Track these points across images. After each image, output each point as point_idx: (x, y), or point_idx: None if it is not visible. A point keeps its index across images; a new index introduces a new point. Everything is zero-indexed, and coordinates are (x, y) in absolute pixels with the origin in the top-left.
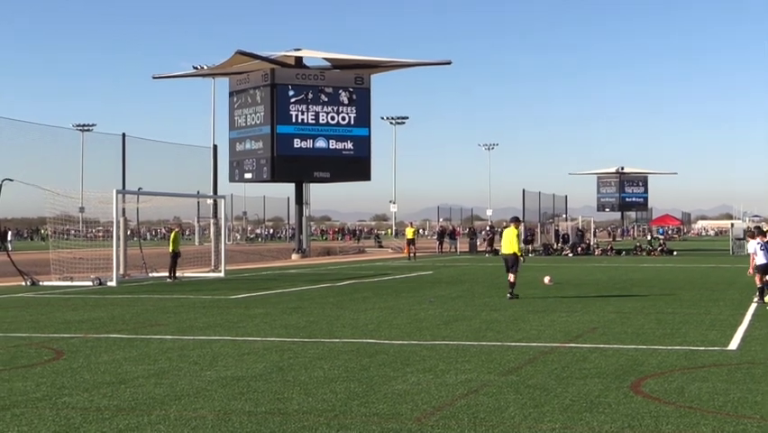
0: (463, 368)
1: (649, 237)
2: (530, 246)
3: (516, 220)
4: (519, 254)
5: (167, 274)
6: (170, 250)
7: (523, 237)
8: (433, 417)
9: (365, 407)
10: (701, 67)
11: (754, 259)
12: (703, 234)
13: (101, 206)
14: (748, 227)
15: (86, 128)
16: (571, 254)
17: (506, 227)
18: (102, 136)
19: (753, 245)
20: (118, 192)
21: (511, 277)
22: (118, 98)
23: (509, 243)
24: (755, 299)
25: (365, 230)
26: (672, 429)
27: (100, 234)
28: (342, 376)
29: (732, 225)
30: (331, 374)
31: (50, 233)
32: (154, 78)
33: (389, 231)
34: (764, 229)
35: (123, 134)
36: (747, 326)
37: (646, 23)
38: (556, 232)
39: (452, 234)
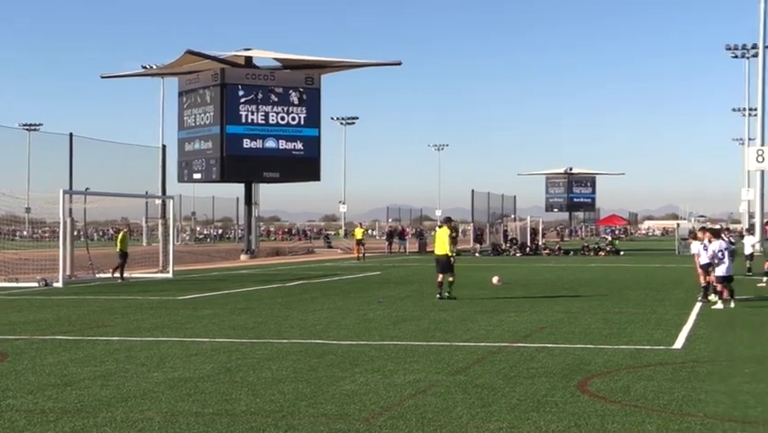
0: (412, 368)
1: (610, 238)
2: (479, 246)
3: (448, 221)
4: (450, 255)
5: (114, 275)
6: (118, 250)
7: (473, 237)
8: (381, 417)
9: (313, 407)
10: (647, 69)
11: (698, 259)
12: (650, 234)
13: (47, 206)
14: (693, 228)
15: (32, 128)
16: (519, 254)
17: (439, 227)
18: (49, 136)
19: (696, 246)
20: (65, 192)
21: (443, 277)
22: (65, 98)
23: (442, 244)
24: (699, 299)
25: (314, 230)
26: (617, 428)
27: (46, 234)
28: (291, 377)
29: (678, 225)
30: (279, 375)
31: None
32: (102, 77)
33: (340, 231)
34: (718, 228)
35: (71, 134)
36: (692, 325)
37: (593, 25)
38: (505, 232)
39: (402, 235)
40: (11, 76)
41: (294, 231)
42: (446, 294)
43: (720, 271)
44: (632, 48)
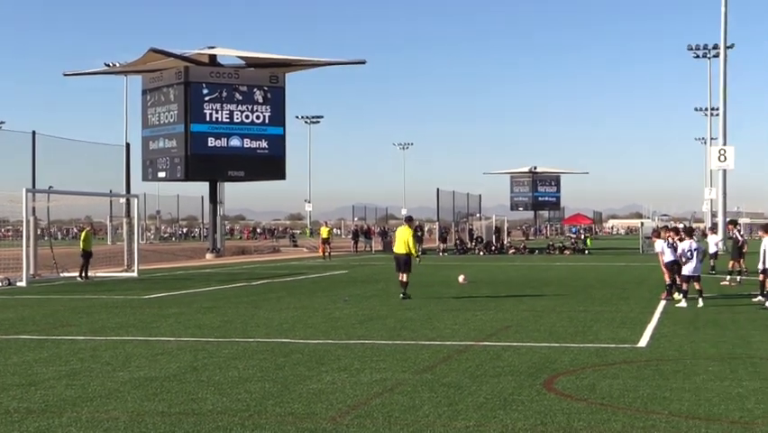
0: (378, 367)
1: (583, 236)
2: (443, 245)
3: (409, 220)
4: (415, 255)
5: (78, 274)
6: (81, 249)
7: (438, 236)
8: (348, 416)
9: (280, 406)
10: (610, 68)
11: (662, 257)
12: (614, 232)
13: (10, 204)
14: (656, 227)
15: None
16: (482, 253)
17: (400, 226)
18: (11, 134)
19: (660, 244)
20: (28, 191)
21: (404, 277)
22: (28, 96)
23: (403, 242)
24: (664, 297)
25: (280, 229)
26: (583, 426)
27: (9, 233)
28: (257, 376)
29: (642, 224)
30: (245, 374)
31: None
32: (65, 75)
33: (307, 230)
34: (678, 227)
35: (33, 132)
36: (656, 323)
37: (556, 24)
38: (470, 231)
39: (367, 234)
40: None
41: (259, 230)
42: (401, 294)
43: (687, 269)
44: (594, 47)
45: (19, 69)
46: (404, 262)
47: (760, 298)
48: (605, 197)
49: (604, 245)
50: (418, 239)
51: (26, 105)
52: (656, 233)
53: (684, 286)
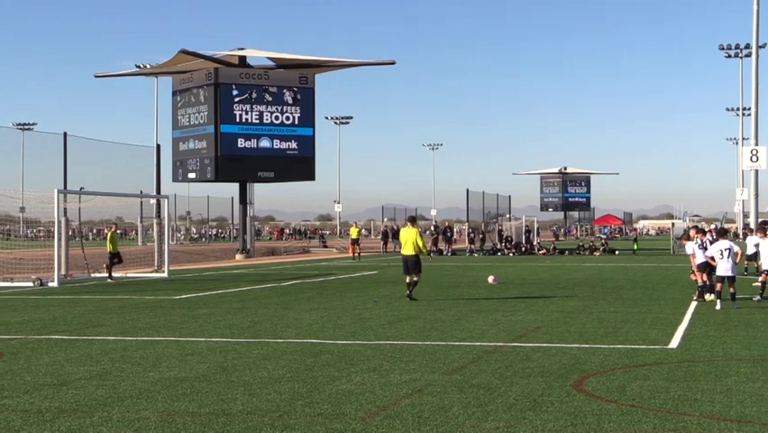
0: (408, 368)
1: (635, 237)
2: (472, 246)
3: (412, 220)
4: (426, 252)
5: (107, 275)
6: (109, 250)
7: (467, 237)
8: (377, 416)
9: (309, 407)
10: (641, 69)
11: (694, 259)
12: (644, 233)
13: (42, 205)
14: (686, 228)
15: (26, 127)
16: (512, 254)
17: (404, 227)
18: (43, 135)
19: (691, 246)
20: (60, 192)
21: (415, 277)
22: (60, 97)
23: (411, 243)
24: (695, 298)
25: (310, 230)
26: (613, 427)
27: (41, 234)
28: (287, 376)
29: (673, 224)
30: (275, 375)
31: None
32: (96, 76)
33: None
34: (706, 229)
35: (65, 133)
36: (687, 324)
37: (588, 26)
38: (500, 232)
39: (397, 234)
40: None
41: (288, 230)
42: (407, 293)
43: (719, 270)
44: (626, 48)
45: (51, 72)
46: (413, 264)
47: (759, 298)
48: (635, 197)
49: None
50: (448, 240)
51: (58, 106)
52: (686, 235)
53: (718, 286)
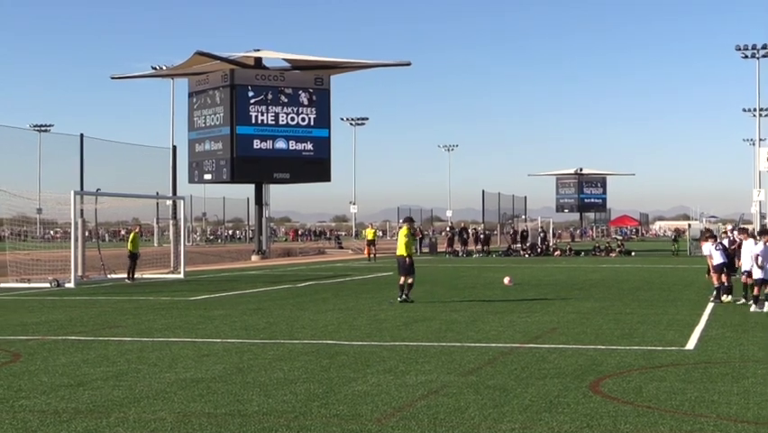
0: (423, 369)
1: (674, 237)
2: (487, 247)
3: (408, 221)
4: (406, 255)
5: (126, 276)
6: (129, 250)
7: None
8: (393, 418)
9: (325, 408)
10: (657, 69)
11: (711, 260)
12: (661, 234)
13: (59, 207)
14: (705, 229)
15: (43, 128)
16: (527, 255)
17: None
18: (59, 137)
19: (708, 247)
20: (76, 193)
21: (409, 279)
22: (76, 99)
23: (400, 244)
24: (712, 299)
25: (327, 231)
26: (630, 429)
27: (58, 235)
28: (303, 377)
29: (689, 225)
30: (291, 376)
31: (6, 234)
32: (113, 78)
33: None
34: (722, 230)
35: (81, 135)
36: (704, 326)
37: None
38: (513, 233)
39: (414, 235)
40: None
41: (301, 231)
42: (404, 296)
43: (759, 273)
44: (642, 48)
45: (67, 73)
46: (402, 264)
47: (744, 300)
48: (651, 198)
49: (651, 247)
50: (463, 241)
51: (74, 108)
52: (705, 236)
53: (756, 291)
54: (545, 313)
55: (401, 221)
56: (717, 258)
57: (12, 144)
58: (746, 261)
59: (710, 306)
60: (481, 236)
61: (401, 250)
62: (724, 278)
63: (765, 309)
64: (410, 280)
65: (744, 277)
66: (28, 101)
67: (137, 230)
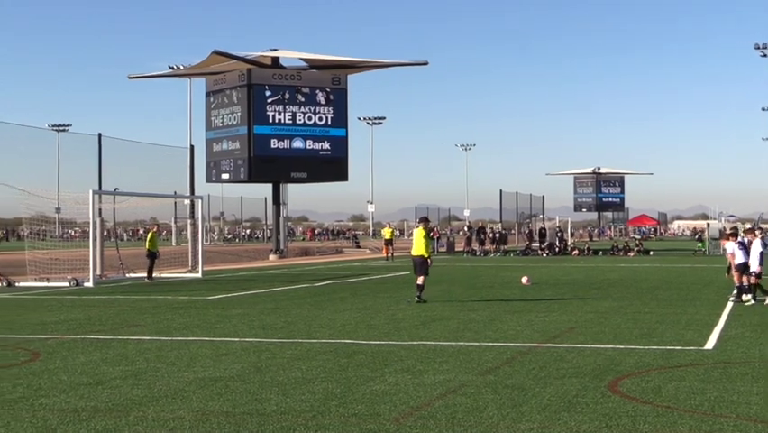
0: (441, 368)
1: (698, 236)
2: (504, 246)
3: (424, 221)
4: (427, 256)
5: (144, 275)
6: (147, 249)
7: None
8: (411, 417)
9: (343, 407)
10: (675, 68)
11: (733, 259)
12: (679, 234)
13: (77, 206)
14: (724, 228)
15: (61, 128)
16: (545, 254)
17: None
18: (77, 136)
19: (731, 246)
20: (94, 192)
21: (420, 280)
22: (94, 98)
23: (418, 244)
24: (733, 299)
25: (344, 230)
26: (649, 429)
27: (76, 234)
28: (321, 377)
29: (708, 225)
30: (309, 375)
31: (25, 233)
32: (130, 78)
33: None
34: (741, 229)
35: (99, 134)
36: (723, 325)
37: (621, 25)
38: (529, 232)
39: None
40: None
41: (318, 231)
42: (416, 297)
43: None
44: (660, 47)
45: (85, 73)
46: (419, 264)
47: (749, 297)
48: (670, 197)
49: (669, 247)
50: (481, 241)
51: (92, 107)
52: (726, 236)
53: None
54: (563, 312)
55: (417, 221)
56: (740, 257)
57: (31, 144)
58: (755, 260)
59: (730, 305)
60: (497, 235)
61: (420, 250)
62: (745, 278)
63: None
64: (419, 281)
65: (752, 277)
66: (46, 101)
67: (155, 229)
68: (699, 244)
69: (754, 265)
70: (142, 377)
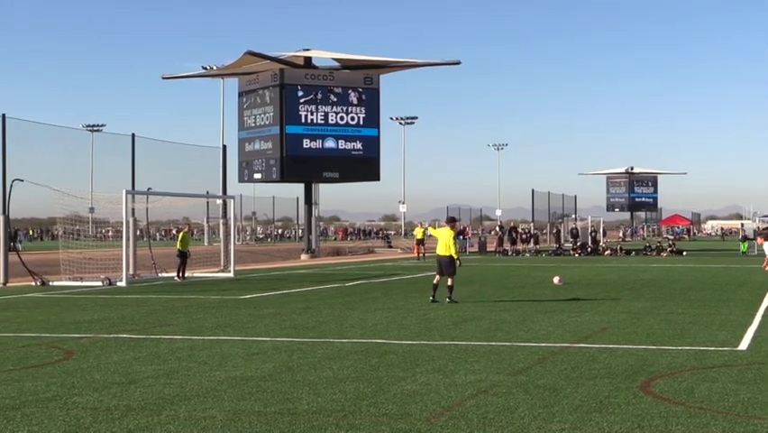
0: (473, 368)
1: (742, 237)
2: (536, 246)
3: (451, 220)
4: (456, 257)
5: (176, 274)
6: (178, 249)
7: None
8: (442, 417)
9: (374, 407)
10: (710, 68)
11: None
12: (713, 234)
13: (111, 206)
14: (758, 227)
15: (95, 128)
16: (578, 255)
17: (441, 226)
18: (111, 136)
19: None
20: (128, 192)
21: (449, 280)
22: (128, 99)
23: (445, 244)
24: None
25: (375, 230)
26: (681, 430)
27: (110, 234)
28: (352, 376)
29: (742, 225)
30: (340, 375)
31: (59, 233)
32: (164, 78)
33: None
34: None
35: (133, 135)
36: (758, 326)
37: (656, 26)
38: (557, 232)
39: (462, 234)
40: (75, 77)
41: (350, 230)
42: (447, 298)
43: None
44: (692, 45)
45: (119, 73)
46: (446, 264)
47: None
48: (703, 197)
49: (703, 247)
50: (512, 241)
51: (126, 108)
52: (765, 234)
53: None
54: (595, 313)
55: (445, 220)
56: None
57: (65, 144)
58: None
59: (764, 306)
60: (524, 235)
61: (448, 250)
62: None
63: None
64: (449, 282)
65: None
66: (81, 102)
67: (187, 229)
68: (745, 244)
69: None
70: (174, 376)
